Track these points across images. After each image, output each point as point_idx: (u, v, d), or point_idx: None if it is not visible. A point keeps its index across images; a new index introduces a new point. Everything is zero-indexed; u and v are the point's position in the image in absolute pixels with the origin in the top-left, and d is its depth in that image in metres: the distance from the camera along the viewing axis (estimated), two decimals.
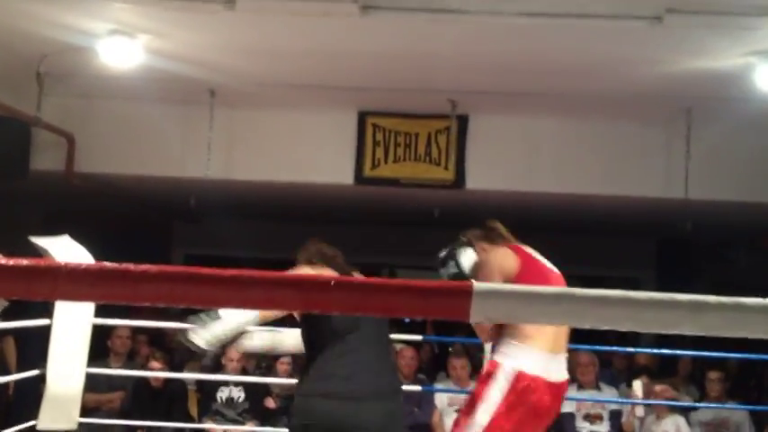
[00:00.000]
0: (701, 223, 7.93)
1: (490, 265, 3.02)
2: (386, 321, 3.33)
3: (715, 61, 5.34)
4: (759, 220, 7.83)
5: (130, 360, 6.36)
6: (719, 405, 5.78)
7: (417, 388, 5.96)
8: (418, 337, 6.02)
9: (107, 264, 0.96)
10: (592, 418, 5.77)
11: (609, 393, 5.93)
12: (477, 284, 0.95)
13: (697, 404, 5.92)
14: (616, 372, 7.11)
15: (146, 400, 5.86)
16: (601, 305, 0.92)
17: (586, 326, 0.94)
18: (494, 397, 2.77)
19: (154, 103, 6.83)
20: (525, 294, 0.95)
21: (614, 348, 6.14)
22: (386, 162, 7.02)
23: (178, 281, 0.95)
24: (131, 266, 0.95)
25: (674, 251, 10.33)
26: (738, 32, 4.95)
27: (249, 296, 0.96)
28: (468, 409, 2.87)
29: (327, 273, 3.23)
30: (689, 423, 5.74)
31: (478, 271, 3.02)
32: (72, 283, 0.99)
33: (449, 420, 5.91)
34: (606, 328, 0.92)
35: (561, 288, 0.93)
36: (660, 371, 6.41)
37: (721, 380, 5.85)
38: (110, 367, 5.89)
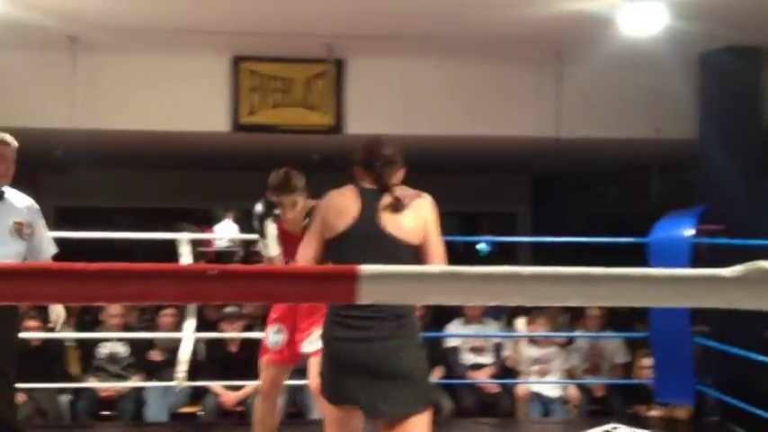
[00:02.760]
0: (574, 160, 8.23)
1: None
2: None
3: (582, 3, 5.45)
4: (626, 155, 8.19)
5: None
6: (595, 334, 6.05)
7: None
8: None
9: None
10: (477, 351, 5.98)
11: (493, 327, 6.14)
12: (362, 267, 0.92)
13: (574, 334, 6.19)
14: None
15: (23, 360, 5.59)
16: (490, 282, 0.91)
17: (477, 303, 0.93)
18: None
19: (11, 50, 6.39)
20: (413, 275, 0.92)
21: None
22: (263, 108, 6.86)
23: (43, 278, 0.87)
24: None
25: (548, 187, 10.69)
26: None
27: (124, 291, 0.90)
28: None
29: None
30: (567, 352, 6.02)
31: None
32: None
33: None
34: (495, 303, 0.91)
35: (450, 267, 0.91)
36: None
37: (600, 316, 6.07)
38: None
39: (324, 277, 0.93)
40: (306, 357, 3.68)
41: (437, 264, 2.66)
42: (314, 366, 3.42)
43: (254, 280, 0.92)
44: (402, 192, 2.69)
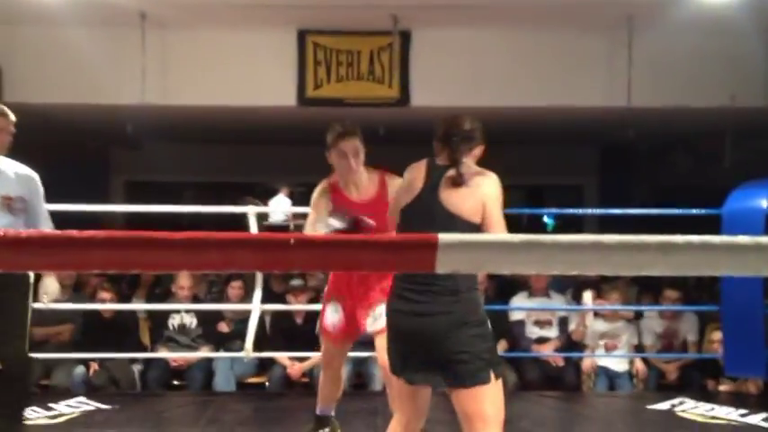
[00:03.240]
0: (644, 130, 8.03)
1: None
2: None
3: None
4: (700, 123, 7.96)
5: (77, 292, 6.24)
6: (665, 307, 5.92)
7: None
8: None
9: (50, 231, 0.90)
10: (542, 324, 5.93)
11: (558, 300, 6.08)
12: (441, 236, 0.92)
13: (644, 307, 6.08)
14: (561, 277, 7.23)
15: (96, 331, 5.78)
16: (570, 251, 0.90)
17: (557, 272, 0.92)
18: None
19: (82, 28, 6.53)
20: (491, 244, 0.92)
21: None
22: (329, 82, 6.88)
23: (128, 247, 0.90)
24: (75, 233, 0.89)
25: (616, 158, 10.47)
26: None
27: (205, 259, 0.91)
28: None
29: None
30: (639, 329, 5.92)
31: None
32: (11, 252, 0.92)
33: None
34: (576, 273, 0.90)
35: (530, 236, 0.90)
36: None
37: (677, 299, 5.92)
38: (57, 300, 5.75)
39: (403, 246, 0.93)
40: (372, 335, 3.64)
41: None
42: (380, 344, 3.39)
43: (334, 249, 0.93)
44: (467, 169, 2.68)
